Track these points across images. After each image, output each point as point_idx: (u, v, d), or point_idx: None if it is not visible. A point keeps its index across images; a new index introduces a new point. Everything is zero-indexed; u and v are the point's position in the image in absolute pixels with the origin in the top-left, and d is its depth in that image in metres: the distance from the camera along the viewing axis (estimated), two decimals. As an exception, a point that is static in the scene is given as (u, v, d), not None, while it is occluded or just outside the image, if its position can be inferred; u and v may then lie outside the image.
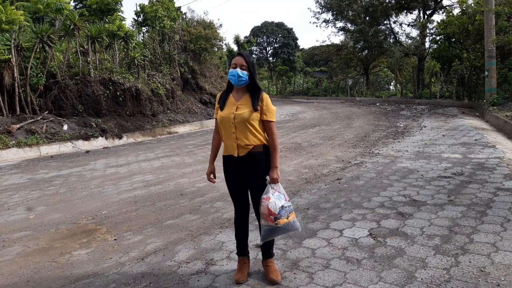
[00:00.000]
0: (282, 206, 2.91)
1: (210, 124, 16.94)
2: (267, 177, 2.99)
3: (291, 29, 51.60)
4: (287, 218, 2.94)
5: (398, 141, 9.56)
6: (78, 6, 29.18)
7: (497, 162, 6.67)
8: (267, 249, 3.18)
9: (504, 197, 4.76)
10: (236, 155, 3.00)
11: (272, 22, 51.51)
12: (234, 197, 3.18)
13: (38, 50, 12.87)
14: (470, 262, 3.18)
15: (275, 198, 2.93)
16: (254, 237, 3.82)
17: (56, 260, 3.80)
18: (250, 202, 3.17)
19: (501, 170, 6.11)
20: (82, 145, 11.99)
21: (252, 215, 3.32)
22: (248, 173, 3.03)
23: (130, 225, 4.67)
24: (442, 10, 26.56)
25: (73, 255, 3.89)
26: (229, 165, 3.11)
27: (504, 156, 7.10)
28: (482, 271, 3.02)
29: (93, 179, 7.44)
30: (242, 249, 3.24)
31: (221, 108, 3.06)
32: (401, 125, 12.86)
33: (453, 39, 20.38)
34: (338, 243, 3.72)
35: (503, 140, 9.06)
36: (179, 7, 27.90)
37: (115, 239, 4.25)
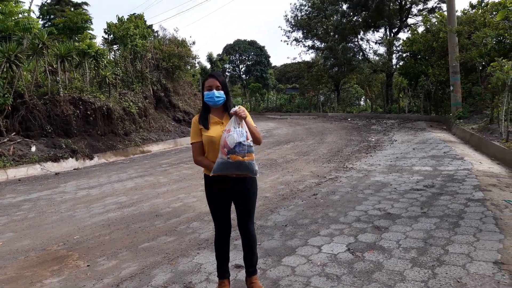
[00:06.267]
0: (240, 143, 2.80)
1: (185, 142, 16.78)
2: (233, 108, 2.89)
3: (263, 47, 52.23)
4: (242, 157, 2.80)
5: (371, 155, 9.74)
6: (47, 25, 28.66)
7: (466, 173, 6.88)
8: (251, 266, 3.16)
9: (475, 207, 4.90)
10: (233, 176, 2.95)
11: (245, 40, 52.05)
12: (219, 216, 3.11)
13: (5, 70, 12.49)
14: (446, 273, 3.23)
15: (236, 133, 2.82)
16: (233, 257, 3.76)
17: (25, 290, 3.61)
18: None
19: (470, 181, 6.30)
20: (52, 167, 11.61)
21: (232, 234, 3.27)
22: (241, 188, 3.02)
23: (103, 250, 4.52)
24: (407, 28, 27.66)
25: (44, 284, 3.71)
26: (220, 185, 3.01)
27: (473, 167, 7.34)
28: (458, 282, 3.08)
29: (64, 203, 7.19)
30: (223, 271, 3.18)
31: (206, 128, 2.99)
32: (373, 139, 13.14)
33: (419, 56, 21.19)
34: (317, 260, 3.71)
35: (470, 152, 9.39)
36: (151, 25, 27.87)
37: (88, 265, 4.09)
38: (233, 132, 2.82)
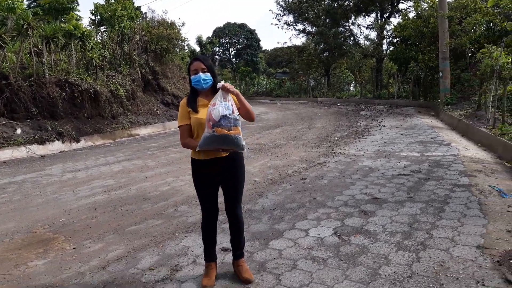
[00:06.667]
0: (225, 116, 2.74)
1: (173, 125, 16.66)
2: (220, 82, 2.85)
3: (254, 30, 51.78)
4: (228, 131, 2.74)
5: (359, 141, 9.79)
6: (32, 5, 27.89)
7: (453, 159, 6.96)
8: (238, 249, 3.18)
9: (460, 193, 4.97)
10: (223, 155, 2.95)
11: (235, 23, 51.48)
12: (206, 201, 3.10)
13: (-12, 51, 12.18)
14: (430, 257, 3.28)
15: (222, 106, 2.77)
16: (221, 240, 3.77)
17: (10, 272, 3.58)
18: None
19: (457, 167, 6.38)
20: (37, 149, 11.44)
21: (219, 217, 3.26)
22: (229, 172, 3.01)
23: (89, 233, 4.49)
24: (398, 13, 27.57)
25: (29, 266, 3.69)
26: (209, 168, 3.00)
27: (459, 153, 7.43)
28: (442, 265, 3.13)
29: (50, 185, 7.11)
30: (211, 254, 3.19)
31: (195, 111, 2.96)
32: (362, 125, 13.19)
33: (409, 42, 21.18)
34: (304, 243, 3.74)
35: (457, 138, 9.49)
36: (139, 7, 27.31)
37: (74, 248, 4.07)
38: (218, 106, 2.76)
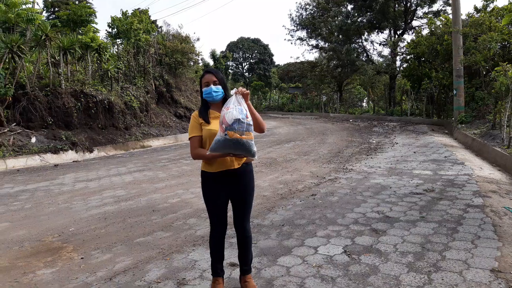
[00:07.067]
0: (238, 120, 2.69)
1: (185, 138, 16.75)
2: (233, 90, 2.82)
3: (267, 45, 52.22)
4: (240, 135, 2.68)
5: (371, 157, 9.70)
6: (50, 17, 28.63)
7: (466, 179, 6.84)
8: (245, 265, 3.15)
9: (474, 213, 4.86)
10: (235, 167, 2.94)
11: (248, 38, 52.04)
12: (215, 214, 3.07)
13: (7, 61, 12.46)
14: (442, 279, 3.20)
15: (236, 110, 2.72)
16: (228, 255, 3.73)
17: (18, 280, 3.59)
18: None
19: (470, 187, 6.26)
20: (51, 158, 11.59)
21: (228, 231, 3.24)
22: (240, 185, 3.00)
23: (98, 243, 4.49)
24: (412, 30, 27.59)
25: (37, 275, 3.69)
26: (219, 181, 2.98)
27: (473, 173, 7.30)
28: (454, 288, 3.04)
29: (61, 194, 7.17)
30: (218, 268, 3.15)
31: (207, 122, 2.96)
32: (374, 141, 13.09)
33: (423, 59, 21.10)
34: (313, 261, 3.68)
35: (471, 157, 9.34)
36: (155, 20, 27.81)
37: (82, 258, 4.07)
38: (232, 109, 2.72)
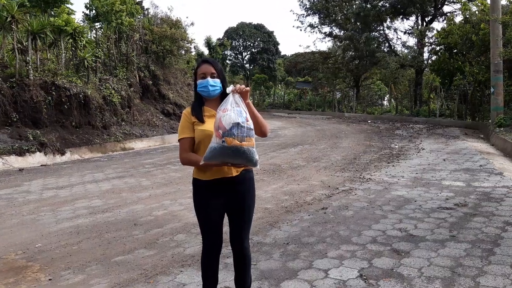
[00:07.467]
0: (238, 124, 2.63)
1: (174, 139, 16.77)
2: (229, 87, 2.76)
3: (272, 32, 52.50)
4: (240, 142, 2.63)
5: (393, 165, 9.71)
6: (18, -5, 28.70)
7: (505, 191, 6.84)
8: None
9: (514, 233, 4.86)
10: (233, 175, 2.90)
11: (250, 24, 52.27)
12: (209, 230, 3.03)
13: (-35, 46, 12.53)
14: (476, 310, 3.18)
15: (234, 112, 2.66)
16: (223, 278, 3.73)
17: (-27, 305, 3.59)
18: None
19: (510, 201, 6.25)
20: (15, 161, 11.61)
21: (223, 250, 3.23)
22: (238, 196, 2.97)
23: (70, 262, 4.49)
24: (443, 17, 27.66)
25: (-4, 299, 3.69)
26: (216, 190, 2.95)
27: (513, 185, 7.30)
28: (490, 321, 3.03)
29: (27, 204, 7.18)
30: (210, 293, 3.14)
31: (201, 121, 2.92)
32: (396, 146, 13.11)
33: (455, 50, 21.14)
34: (322, 286, 3.67)
35: (511, 166, 9.33)
36: (140, 1, 27.93)
37: (49, 279, 4.06)
38: (230, 111, 2.67)
